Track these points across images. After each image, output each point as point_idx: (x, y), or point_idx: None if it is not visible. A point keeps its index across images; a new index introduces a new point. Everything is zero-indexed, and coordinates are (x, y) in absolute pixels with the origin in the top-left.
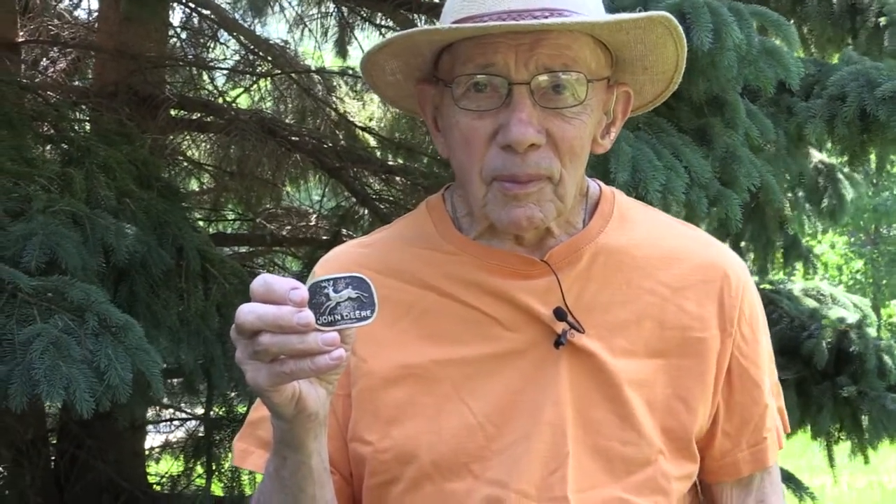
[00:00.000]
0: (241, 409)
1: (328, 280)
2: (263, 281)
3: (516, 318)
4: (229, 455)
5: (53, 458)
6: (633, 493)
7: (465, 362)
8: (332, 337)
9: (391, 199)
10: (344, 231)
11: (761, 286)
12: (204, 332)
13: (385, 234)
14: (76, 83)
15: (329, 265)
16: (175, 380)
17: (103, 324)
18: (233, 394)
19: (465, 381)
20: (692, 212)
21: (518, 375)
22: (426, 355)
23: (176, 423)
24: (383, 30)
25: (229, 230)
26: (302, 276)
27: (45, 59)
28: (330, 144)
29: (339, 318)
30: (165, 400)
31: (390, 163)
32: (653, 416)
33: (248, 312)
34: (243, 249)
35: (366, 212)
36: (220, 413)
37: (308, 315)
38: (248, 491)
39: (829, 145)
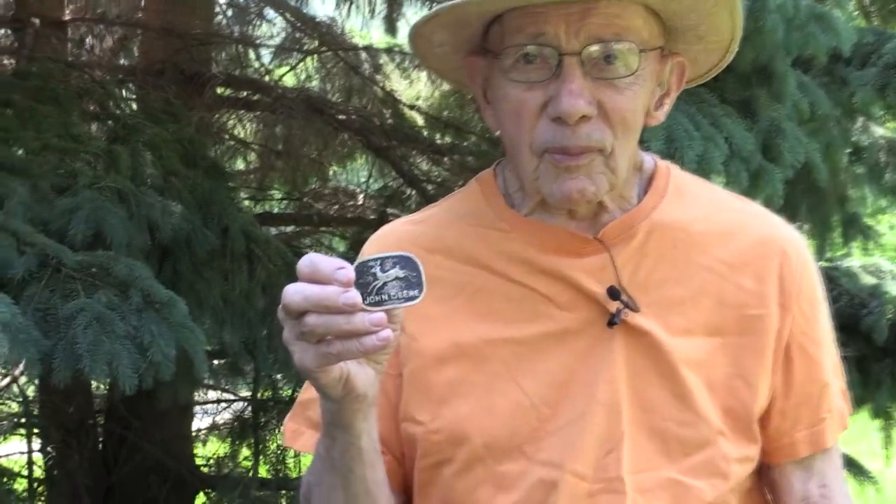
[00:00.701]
0: (287, 391)
1: (375, 259)
2: (310, 261)
3: (569, 296)
4: (275, 437)
5: (101, 438)
6: (690, 476)
7: (518, 342)
8: (379, 317)
9: (439, 179)
10: (390, 211)
11: (819, 263)
12: (248, 313)
13: (436, 210)
14: (122, 61)
15: (379, 243)
16: (219, 361)
17: (147, 300)
18: (278, 375)
19: (518, 361)
20: (732, 186)
21: (571, 355)
22: (478, 334)
23: (223, 404)
24: (432, 5)
25: (275, 210)
26: (349, 257)
27: (91, 37)
28: (377, 123)
29: (387, 298)
30: (211, 381)
31: (438, 142)
32: (712, 396)
33: (294, 293)
34: (289, 229)
35: (413, 192)
36: (266, 395)
37: (354, 295)
38: (293, 474)
39: (880, 114)
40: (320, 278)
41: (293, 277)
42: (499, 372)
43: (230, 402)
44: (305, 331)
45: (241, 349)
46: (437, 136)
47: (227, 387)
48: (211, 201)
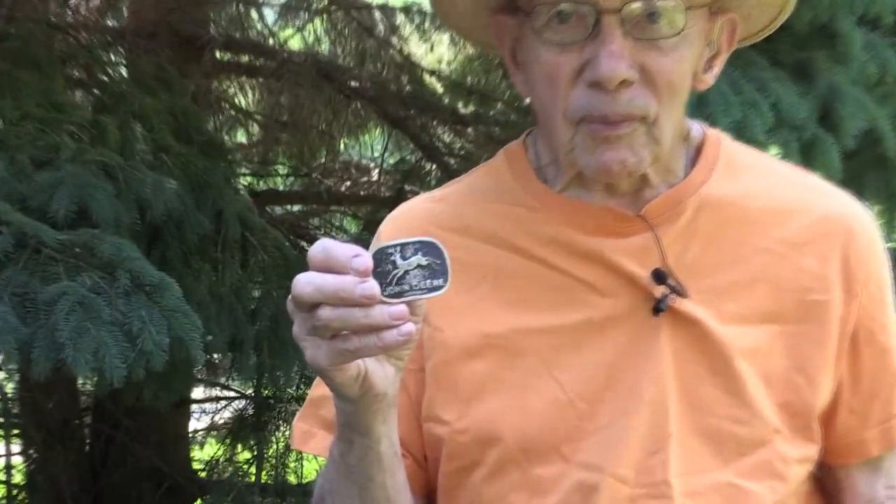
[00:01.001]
0: (289, 392)
1: (395, 246)
2: (322, 247)
3: (610, 281)
4: (273, 439)
5: (88, 440)
6: (746, 478)
7: (553, 332)
8: (400, 310)
9: (462, 152)
10: (408, 188)
11: (888, 244)
12: (236, 310)
13: (459, 186)
14: (110, 22)
15: (397, 222)
16: (215, 355)
17: (136, 282)
18: (279, 374)
19: (553, 354)
20: (781, 157)
21: (612, 346)
22: (509, 324)
23: (223, 402)
24: None
25: (280, 187)
26: (363, 241)
27: None
28: (393, 90)
29: (408, 288)
30: (208, 377)
31: (461, 111)
32: (768, 390)
33: (305, 283)
34: (296, 208)
35: (433, 167)
36: (266, 393)
37: (372, 286)
38: (292, 479)
39: None
40: (335, 267)
41: (290, 271)
42: (533, 365)
43: (231, 399)
44: (318, 325)
45: (224, 349)
46: (460, 104)
47: (227, 382)
48: (206, 182)
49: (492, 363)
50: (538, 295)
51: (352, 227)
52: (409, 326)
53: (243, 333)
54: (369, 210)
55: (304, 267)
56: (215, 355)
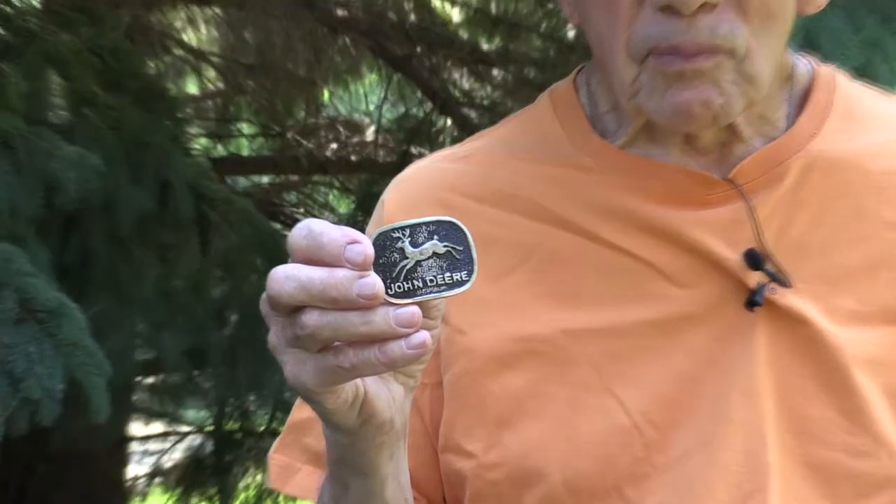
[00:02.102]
0: (261, 420)
1: (403, 228)
2: (307, 230)
3: (687, 265)
4: (242, 487)
5: None
6: None
7: (613, 334)
8: (411, 313)
9: (485, 101)
10: (415, 150)
11: None
12: (194, 311)
13: (487, 141)
14: None
15: (404, 190)
16: (156, 378)
17: (25, 306)
18: (250, 398)
19: (613, 362)
20: None
21: (691, 353)
22: (554, 323)
23: (172, 439)
24: None
25: (245, 152)
26: (357, 222)
27: None
28: (394, 21)
29: (421, 284)
30: (155, 407)
31: (484, 47)
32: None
33: (285, 278)
34: (266, 180)
35: (448, 122)
36: (230, 427)
37: (374, 282)
38: None
39: None
40: (324, 256)
41: (266, 255)
42: (586, 378)
43: (182, 436)
44: (302, 334)
45: (184, 361)
46: (483, 38)
47: (179, 413)
48: (145, 144)
49: (531, 376)
50: (593, 285)
51: (341, 204)
52: (422, 336)
53: (204, 342)
54: (363, 181)
55: (284, 255)
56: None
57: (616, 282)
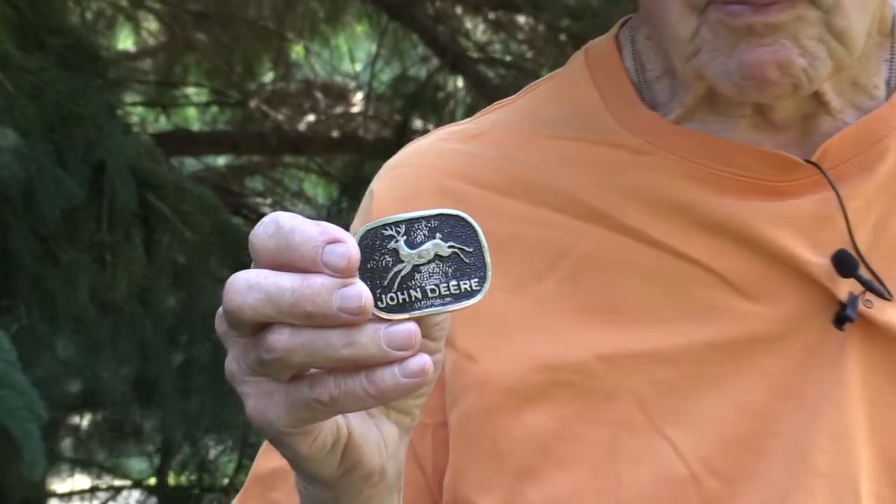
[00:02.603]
0: (226, 471)
1: (397, 224)
2: (275, 226)
3: (760, 273)
4: None
5: None
6: None
7: (663, 360)
8: (407, 332)
9: (508, 58)
10: (416, 125)
11: None
12: (143, 326)
13: (507, 114)
14: None
15: (400, 177)
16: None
17: None
18: (209, 443)
19: (663, 396)
20: None
21: (764, 383)
22: (589, 346)
23: (103, 495)
24: None
25: (196, 125)
26: (340, 215)
27: None
28: None
29: (419, 295)
30: (80, 453)
31: None
32: None
33: (247, 288)
34: (223, 161)
35: (458, 84)
36: (185, 479)
37: (360, 292)
38: None
39: None
40: (296, 260)
41: (235, 256)
42: (629, 416)
43: (117, 490)
44: (269, 358)
45: (126, 395)
46: None
47: (111, 463)
48: (72, 115)
49: (560, 413)
50: (638, 297)
51: (318, 192)
52: (420, 361)
53: (150, 370)
54: (349, 163)
55: (249, 258)
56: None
57: (668, 294)
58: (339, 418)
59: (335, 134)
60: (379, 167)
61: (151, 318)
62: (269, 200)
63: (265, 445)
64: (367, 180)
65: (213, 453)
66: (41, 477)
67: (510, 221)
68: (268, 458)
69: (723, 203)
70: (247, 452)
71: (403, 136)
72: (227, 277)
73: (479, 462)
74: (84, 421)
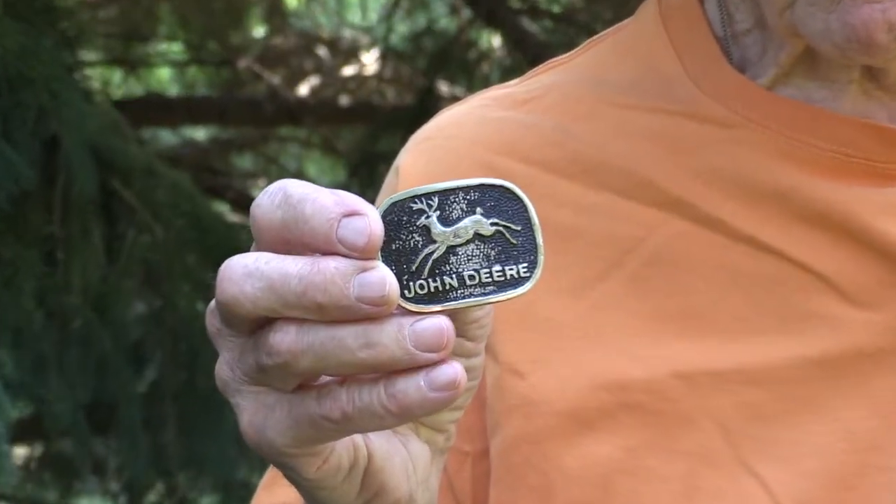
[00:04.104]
0: None
1: (429, 195)
2: (283, 194)
3: (872, 274)
4: None
5: None
6: None
7: (753, 379)
8: (437, 329)
9: (555, 8)
10: (443, 91)
11: None
12: (101, 339)
13: (562, 76)
14: None
15: (433, 148)
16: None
17: None
18: (185, 482)
19: (752, 422)
20: None
21: (875, 408)
22: (662, 361)
23: None
24: None
25: (171, 89)
26: (367, 196)
27: None
28: None
29: (455, 283)
30: (24, 491)
31: None
32: None
33: (245, 275)
34: (204, 134)
35: (496, 42)
36: None
37: (383, 278)
38: None
39: None
40: (306, 237)
41: (216, 253)
42: (710, 447)
43: None
44: (270, 363)
45: (79, 418)
46: None
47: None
48: (20, 76)
49: (626, 443)
50: (723, 302)
51: (324, 172)
52: (450, 371)
53: (112, 391)
54: (362, 137)
55: (238, 245)
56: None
57: (759, 299)
58: (358, 437)
59: (343, 101)
60: (395, 142)
61: (111, 329)
62: (260, 183)
63: (268, 475)
64: (382, 158)
65: (188, 492)
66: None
67: (567, 208)
68: (271, 494)
69: (827, 189)
70: (231, 492)
71: (427, 103)
72: (205, 281)
73: (526, 500)
74: (30, 453)
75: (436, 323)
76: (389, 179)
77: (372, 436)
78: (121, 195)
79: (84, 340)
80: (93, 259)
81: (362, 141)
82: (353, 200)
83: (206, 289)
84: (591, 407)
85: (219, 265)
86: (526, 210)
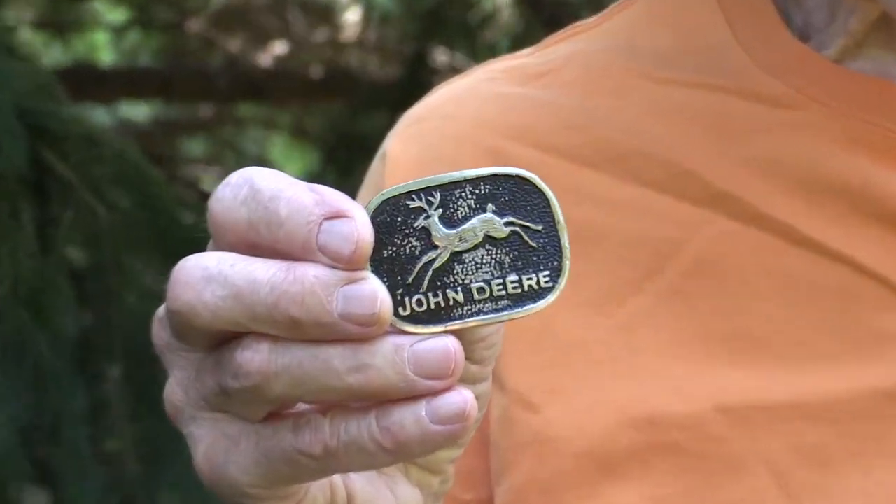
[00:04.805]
0: None
1: (429, 190)
2: (250, 187)
3: None
4: None
5: None
6: None
7: (817, 415)
8: (442, 351)
9: None
10: (439, 62)
11: None
12: (36, 345)
13: (587, 43)
14: None
15: (428, 130)
16: None
17: None
18: None
19: (814, 468)
20: None
21: None
22: (705, 391)
23: None
24: None
25: (106, 57)
26: (347, 187)
27: None
28: None
29: (461, 297)
30: None
31: None
32: None
33: (204, 278)
34: (146, 112)
35: (503, 1)
36: None
37: (372, 291)
38: None
39: None
40: (280, 239)
41: (173, 244)
42: (764, 496)
43: None
44: (235, 386)
45: (14, 447)
46: None
47: None
48: None
49: (662, 490)
50: (781, 320)
51: (290, 158)
52: (458, 399)
53: (52, 411)
54: (338, 116)
55: (197, 245)
56: None
57: (824, 317)
58: (336, 479)
59: (316, 72)
60: (380, 122)
61: (47, 334)
62: (213, 171)
63: None
64: (363, 142)
65: None
66: None
67: (591, 204)
68: None
69: None
70: None
71: (419, 76)
72: (160, 274)
73: None
74: None
75: (442, 344)
76: (374, 170)
77: (353, 475)
78: (56, 171)
79: (15, 348)
80: (22, 248)
81: (339, 121)
82: (338, 199)
83: (162, 281)
84: (618, 447)
85: (175, 253)
86: (548, 206)
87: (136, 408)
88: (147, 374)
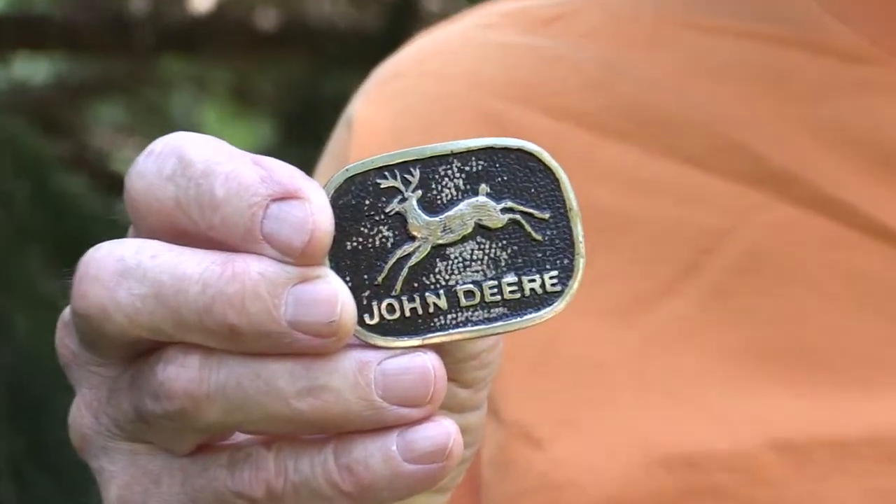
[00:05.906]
0: None
1: (405, 165)
2: (178, 158)
3: None
4: None
5: None
6: None
7: (889, 454)
8: (421, 372)
9: None
10: (428, 8)
11: None
12: None
13: None
14: None
15: (406, 89)
16: None
17: None
18: None
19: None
20: None
21: None
22: (756, 423)
23: None
24: None
25: None
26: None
27: None
28: None
29: (444, 303)
30: None
31: None
32: None
33: (119, 272)
34: (41, 75)
35: None
36: None
37: (332, 293)
38: None
39: None
40: (215, 226)
41: (74, 240)
42: None
43: None
44: (156, 410)
45: None
46: None
47: None
48: None
49: None
50: (852, 332)
51: (235, 130)
52: (440, 431)
53: None
54: (296, 76)
55: (110, 232)
56: None
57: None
58: None
59: (266, 21)
60: (351, 81)
61: None
62: (133, 144)
63: None
64: (328, 109)
65: None
66: None
67: (614, 184)
68: None
69: None
70: None
71: (401, 24)
72: (62, 278)
73: None
74: None
75: (418, 362)
76: (338, 139)
77: None
78: None
79: None
80: None
81: (298, 83)
82: (289, 175)
83: (62, 297)
84: (645, 492)
85: (79, 259)
86: (558, 188)
87: (21, 458)
88: (35, 416)
